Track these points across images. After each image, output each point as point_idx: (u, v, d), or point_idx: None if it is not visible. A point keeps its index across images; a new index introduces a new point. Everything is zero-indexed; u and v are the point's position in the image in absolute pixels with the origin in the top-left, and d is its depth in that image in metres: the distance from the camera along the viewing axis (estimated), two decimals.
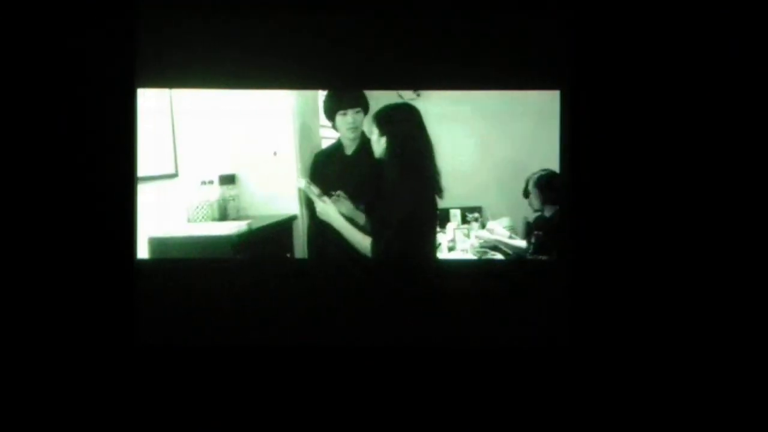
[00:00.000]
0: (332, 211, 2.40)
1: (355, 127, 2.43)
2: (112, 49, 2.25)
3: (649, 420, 2.16)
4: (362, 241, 2.34)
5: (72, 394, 2.21)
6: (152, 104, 2.38)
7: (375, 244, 2.32)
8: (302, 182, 2.48)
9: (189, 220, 2.56)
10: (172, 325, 2.30)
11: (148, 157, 2.34)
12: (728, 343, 2.19)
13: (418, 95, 2.54)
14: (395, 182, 2.32)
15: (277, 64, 2.33)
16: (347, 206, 2.42)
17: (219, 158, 2.59)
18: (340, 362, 2.29)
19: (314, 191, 2.43)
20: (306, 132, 2.61)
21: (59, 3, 2.23)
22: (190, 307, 2.30)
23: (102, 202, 2.26)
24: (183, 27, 2.32)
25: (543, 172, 2.41)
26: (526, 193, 2.46)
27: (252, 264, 2.43)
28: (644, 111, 2.23)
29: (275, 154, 2.57)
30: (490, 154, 2.55)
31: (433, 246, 2.41)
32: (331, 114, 2.46)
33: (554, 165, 2.35)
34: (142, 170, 2.31)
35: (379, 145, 2.34)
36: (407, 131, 2.32)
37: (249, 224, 2.48)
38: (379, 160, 2.36)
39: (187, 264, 2.38)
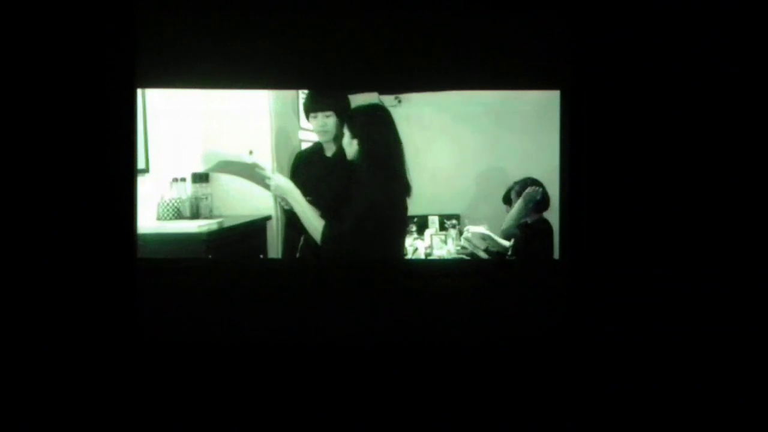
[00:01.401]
0: (285, 183, 2.37)
1: (326, 131, 2.42)
2: (112, 49, 2.25)
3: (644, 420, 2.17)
4: (315, 223, 2.34)
5: (74, 388, 2.17)
6: None
7: (327, 229, 2.33)
8: (250, 158, 2.43)
9: (158, 218, 2.48)
10: (170, 323, 2.29)
11: None
12: (721, 342, 2.23)
13: (399, 101, 2.54)
14: (366, 182, 2.33)
15: (279, 64, 2.33)
16: None
17: (193, 156, 2.51)
18: (337, 361, 2.28)
19: (263, 167, 2.40)
20: (283, 132, 2.57)
21: (59, 3, 2.21)
22: (189, 306, 2.30)
23: (102, 202, 2.25)
24: (183, 27, 2.31)
25: (526, 180, 2.43)
26: (507, 200, 2.47)
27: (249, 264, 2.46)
28: (644, 111, 2.27)
29: (251, 152, 2.52)
30: (470, 161, 2.55)
31: (402, 246, 2.43)
32: (306, 115, 2.46)
33: (535, 174, 2.39)
34: None
35: (351, 147, 2.35)
36: (376, 132, 2.34)
37: (220, 222, 2.42)
38: (352, 162, 2.36)
39: (186, 263, 2.37)
